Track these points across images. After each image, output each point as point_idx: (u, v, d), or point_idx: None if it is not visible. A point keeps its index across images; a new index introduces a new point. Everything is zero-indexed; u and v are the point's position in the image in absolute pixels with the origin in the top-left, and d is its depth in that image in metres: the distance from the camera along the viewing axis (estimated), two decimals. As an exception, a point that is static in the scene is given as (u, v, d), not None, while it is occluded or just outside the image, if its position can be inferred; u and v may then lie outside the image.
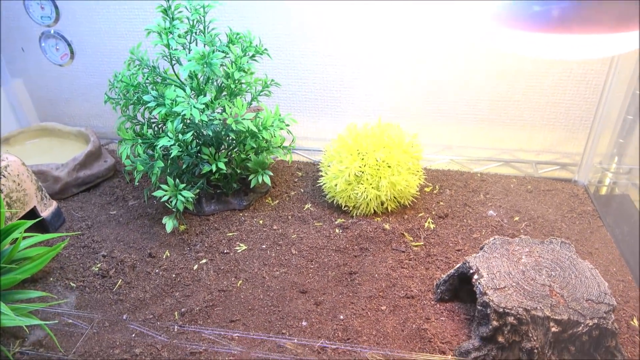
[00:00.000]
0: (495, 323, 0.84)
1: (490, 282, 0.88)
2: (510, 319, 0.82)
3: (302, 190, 1.41)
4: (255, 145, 1.27)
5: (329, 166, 1.27)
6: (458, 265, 0.97)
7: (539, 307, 0.82)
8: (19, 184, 1.17)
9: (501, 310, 0.83)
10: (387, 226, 1.22)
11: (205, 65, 1.12)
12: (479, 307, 0.87)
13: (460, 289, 1.00)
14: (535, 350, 0.82)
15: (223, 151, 1.25)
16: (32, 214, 1.22)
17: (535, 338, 0.82)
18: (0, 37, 1.61)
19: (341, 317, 1.01)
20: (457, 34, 1.42)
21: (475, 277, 0.90)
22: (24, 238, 1.06)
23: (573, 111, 1.51)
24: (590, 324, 0.81)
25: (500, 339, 0.84)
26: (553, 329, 0.81)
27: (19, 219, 1.14)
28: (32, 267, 1.01)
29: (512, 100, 1.52)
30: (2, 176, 1.14)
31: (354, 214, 1.27)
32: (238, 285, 1.10)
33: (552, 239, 0.98)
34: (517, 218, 1.27)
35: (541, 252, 0.95)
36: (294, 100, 1.65)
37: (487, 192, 1.37)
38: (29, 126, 1.58)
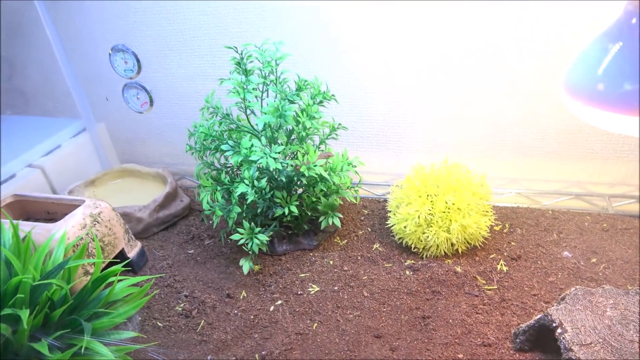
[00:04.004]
0: (583, 381, 0.82)
1: (575, 337, 0.86)
2: (600, 378, 0.81)
3: (369, 230, 1.44)
4: (325, 189, 1.32)
5: (397, 207, 1.29)
6: (539, 317, 0.96)
7: (630, 367, 0.80)
8: (110, 229, 1.27)
9: (590, 369, 0.81)
10: (458, 269, 1.23)
11: (279, 117, 1.18)
12: (564, 363, 0.86)
13: (540, 338, 0.98)
14: (628, 412, 0.80)
15: (294, 194, 1.31)
16: (120, 254, 1.32)
17: (627, 399, 0.80)
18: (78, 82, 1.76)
19: (418, 364, 1.02)
20: (520, 66, 1.41)
21: (559, 331, 0.89)
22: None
23: (649, 143, 1.46)
24: (688, 387, 0.78)
25: (589, 397, 0.83)
26: (647, 391, 0.79)
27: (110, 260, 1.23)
28: (129, 310, 1.09)
29: (582, 132, 1.49)
30: (96, 222, 1.24)
31: (424, 255, 1.28)
32: (314, 328, 1.13)
33: (637, 290, 0.95)
34: (594, 260, 1.23)
35: (627, 304, 0.92)
36: (355, 135, 1.68)
37: (560, 231, 1.34)
38: (112, 168, 1.71)
